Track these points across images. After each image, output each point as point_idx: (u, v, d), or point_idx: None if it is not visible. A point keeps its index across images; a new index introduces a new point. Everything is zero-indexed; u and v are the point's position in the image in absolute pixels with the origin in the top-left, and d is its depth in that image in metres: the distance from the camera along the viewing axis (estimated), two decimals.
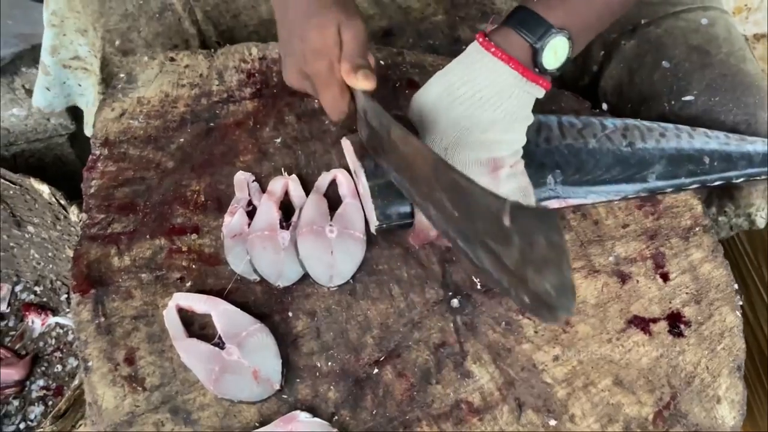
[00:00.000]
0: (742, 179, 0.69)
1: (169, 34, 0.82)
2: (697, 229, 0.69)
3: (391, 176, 0.60)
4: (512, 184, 0.59)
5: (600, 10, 0.58)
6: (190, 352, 0.58)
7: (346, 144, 0.66)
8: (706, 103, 0.73)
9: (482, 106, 0.57)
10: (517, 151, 0.60)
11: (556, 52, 0.57)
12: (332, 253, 0.62)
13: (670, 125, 0.69)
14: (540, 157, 0.65)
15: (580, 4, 0.57)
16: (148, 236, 0.64)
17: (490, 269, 0.43)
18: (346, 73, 0.57)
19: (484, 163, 0.58)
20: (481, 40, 0.58)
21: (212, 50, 0.76)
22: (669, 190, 0.68)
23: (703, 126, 0.70)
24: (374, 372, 0.60)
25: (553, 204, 0.65)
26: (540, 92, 0.59)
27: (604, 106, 0.80)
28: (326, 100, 0.60)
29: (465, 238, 0.46)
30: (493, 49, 0.57)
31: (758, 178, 0.69)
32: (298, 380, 0.59)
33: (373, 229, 0.64)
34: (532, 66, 0.57)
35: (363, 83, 0.56)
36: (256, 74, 0.75)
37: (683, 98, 0.73)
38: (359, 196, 0.66)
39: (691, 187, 0.68)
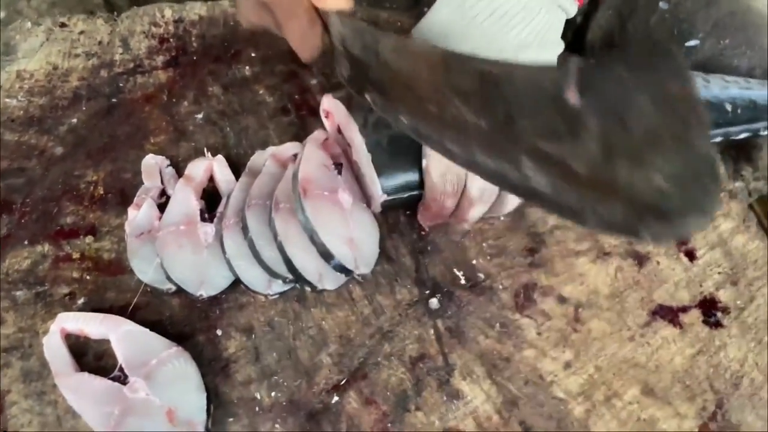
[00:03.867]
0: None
1: (68, 4, 0.67)
2: (722, 195, 0.56)
3: (388, 116, 0.46)
4: None
5: None
6: (80, 391, 0.43)
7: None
8: (714, 47, 0.61)
9: (506, 25, 0.45)
10: None
11: None
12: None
13: None
14: None
15: None
16: (26, 242, 0.49)
17: (546, 187, 0.28)
18: None
19: None
20: None
21: (114, 13, 0.61)
22: None
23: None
24: (333, 400, 0.45)
25: None
26: (572, 7, 0.46)
27: None
28: (293, 34, 0.47)
29: (499, 154, 0.32)
30: None
31: None
32: (230, 419, 0.44)
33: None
34: None
35: (337, 1, 0.44)
36: (171, 39, 0.60)
37: (687, 44, 0.61)
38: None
39: (715, 139, 0.56)
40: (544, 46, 0.46)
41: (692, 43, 0.61)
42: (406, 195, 0.50)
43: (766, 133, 0.57)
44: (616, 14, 0.66)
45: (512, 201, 0.50)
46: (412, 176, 0.49)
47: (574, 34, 0.71)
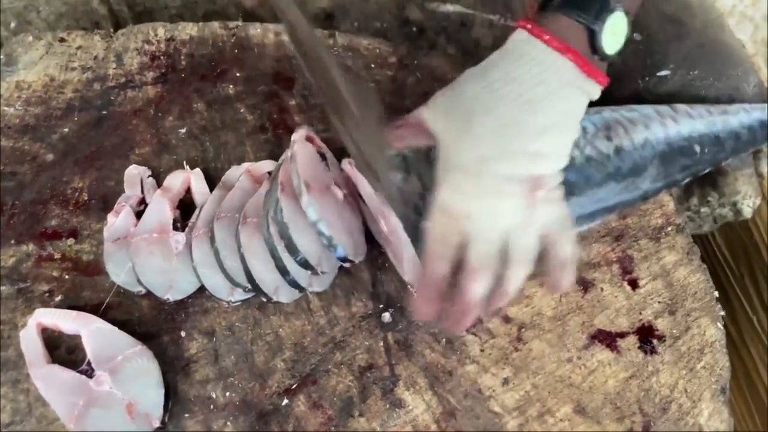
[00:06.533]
0: (729, 160, 0.63)
1: (75, 15, 0.72)
2: (669, 228, 0.60)
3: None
4: (549, 211, 0.46)
5: None
6: (50, 381, 0.47)
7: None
8: (684, 78, 0.64)
9: (532, 108, 0.45)
10: (558, 174, 0.47)
11: (615, 33, 0.46)
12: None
13: (649, 107, 0.60)
14: None
15: None
16: (13, 241, 0.53)
17: None
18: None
19: (524, 180, 0.45)
20: (530, 27, 0.46)
21: (111, 30, 0.66)
22: (662, 190, 0.61)
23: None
24: (283, 403, 0.49)
25: None
26: (597, 91, 0.47)
27: None
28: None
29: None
30: (546, 37, 0.45)
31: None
32: (186, 415, 0.48)
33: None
34: (591, 54, 0.46)
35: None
36: (162, 57, 0.64)
37: (658, 73, 0.65)
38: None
39: (684, 182, 0.62)
40: (565, 131, 0.46)
41: (663, 73, 0.65)
42: None
43: (726, 163, 0.62)
44: None
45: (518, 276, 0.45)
46: None
47: None
